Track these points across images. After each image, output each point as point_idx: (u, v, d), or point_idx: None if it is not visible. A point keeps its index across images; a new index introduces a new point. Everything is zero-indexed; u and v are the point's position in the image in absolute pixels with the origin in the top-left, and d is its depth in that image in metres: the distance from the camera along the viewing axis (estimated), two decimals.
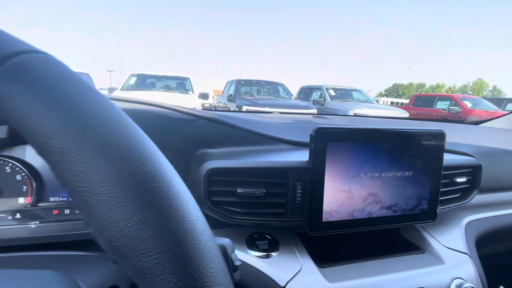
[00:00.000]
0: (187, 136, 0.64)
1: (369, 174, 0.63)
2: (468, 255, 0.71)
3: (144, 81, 7.21)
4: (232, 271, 0.32)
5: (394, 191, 0.66)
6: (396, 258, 0.67)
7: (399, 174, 0.65)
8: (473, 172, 0.79)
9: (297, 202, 0.62)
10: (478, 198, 0.94)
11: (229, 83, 9.44)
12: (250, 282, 0.58)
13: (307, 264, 0.61)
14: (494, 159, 0.90)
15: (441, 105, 9.65)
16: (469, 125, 1.39)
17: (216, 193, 0.61)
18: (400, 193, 0.66)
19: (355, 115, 5.71)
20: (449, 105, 9.05)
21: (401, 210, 0.67)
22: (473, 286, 0.62)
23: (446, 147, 0.82)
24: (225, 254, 0.29)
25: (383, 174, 0.64)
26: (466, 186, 0.79)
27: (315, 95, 9.26)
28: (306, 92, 9.81)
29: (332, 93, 8.76)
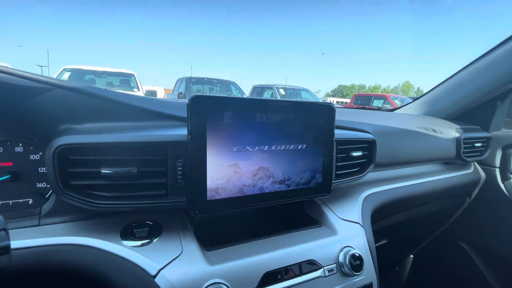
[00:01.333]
0: (38, 109, 0.52)
1: (257, 148, 0.59)
2: (360, 225, 0.73)
3: (81, 78, 6.58)
4: None
5: (286, 164, 0.64)
6: (290, 234, 0.66)
7: (290, 148, 0.63)
8: (369, 147, 0.83)
9: (179, 181, 0.56)
10: (376, 174, 1.01)
11: (179, 80, 9.02)
12: (118, 276, 0.50)
13: (190, 248, 0.55)
14: (390, 137, 0.96)
15: (377, 103, 10.94)
16: (382, 111, 1.51)
17: (76, 175, 0.51)
18: (293, 166, 0.65)
19: None
20: (383, 103, 10.32)
21: (295, 184, 0.65)
22: (359, 252, 0.64)
23: (347, 125, 0.86)
24: None
25: (273, 148, 0.61)
26: (363, 160, 0.82)
27: (266, 94, 9.50)
28: (258, 91, 9.98)
29: (282, 92, 9.11)
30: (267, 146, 0.61)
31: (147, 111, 0.59)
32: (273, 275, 0.56)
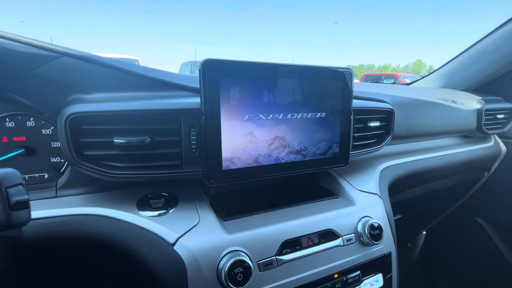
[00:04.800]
0: (46, 78, 0.50)
1: (271, 116, 0.57)
2: (378, 195, 0.71)
3: None
4: (9, 207, 0.22)
5: (302, 134, 0.61)
6: (307, 205, 0.65)
7: (307, 116, 0.61)
8: (387, 118, 0.79)
9: (193, 150, 0.54)
10: (393, 147, 0.98)
11: (184, 65, 8.90)
12: (137, 244, 0.50)
13: (207, 218, 0.54)
14: (408, 108, 0.92)
15: (387, 83, 10.66)
16: (398, 85, 1.45)
17: (89, 145, 0.50)
18: (309, 136, 0.62)
19: None
20: (393, 82, 10.04)
21: (311, 155, 0.63)
22: (379, 222, 0.62)
23: (364, 96, 0.82)
24: None
25: (289, 116, 0.59)
26: (380, 132, 0.79)
27: None
28: None
29: None
30: (282, 115, 0.58)
31: (159, 81, 0.57)
32: (292, 243, 0.55)
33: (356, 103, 0.71)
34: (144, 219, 0.52)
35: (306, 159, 0.63)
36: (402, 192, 1.02)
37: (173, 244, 0.49)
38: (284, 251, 0.54)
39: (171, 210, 0.55)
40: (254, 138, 0.57)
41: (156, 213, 0.54)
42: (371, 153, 0.83)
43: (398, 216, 1.21)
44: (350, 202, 0.68)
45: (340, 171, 0.77)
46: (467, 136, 1.19)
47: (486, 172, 1.28)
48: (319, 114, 0.62)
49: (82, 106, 0.48)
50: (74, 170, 0.55)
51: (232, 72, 0.52)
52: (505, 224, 1.27)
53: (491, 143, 1.23)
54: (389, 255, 0.64)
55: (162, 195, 0.58)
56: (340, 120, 0.64)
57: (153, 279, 0.47)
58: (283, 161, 0.60)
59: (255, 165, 0.58)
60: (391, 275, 0.64)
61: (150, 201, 0.56)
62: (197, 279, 0.47)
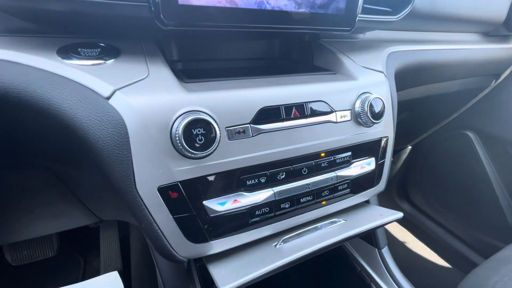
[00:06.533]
0: None
1: None
2: (384, 74, 0.58)
3: None
4: None
5: None
6: (295, 76, 0.51)
7: None
8: None
9: None
10: (405, 34, 0.81)
11: None
12: (56, 97, 0.36)
13: (159, 72, 0.40)
14: None
15: None
16: None
17: None
18: None
19: None
20: None
21: (308, 5, 0.46)
22: (382, 99, 0.50)
23: None
24: None
25: None
26: None
27: None
28: None
29: None
30: None
31: None
32: (273, 112, 0.43)
33: None
34: (69, 68, 0.37)
35: (300, 10, 0.46)
36: (403, 91, 0.91)
37: (108, 98, 0.36)
38: (262, 120, 0.42)
39: (110, 61, 0.40)
40: None
41: (87, 62, 0.39)
42: (382, 28, 0.66)
43: None
44: (349, 77, 0.54)
45: (341, 46, 0.62)
46: (488, 34, 1.02)
47: (494, 81, 1.17)
48: None
49: None
50: None
51: None
52: (497, 136, 1.23)
53: (511, 44, 1.07)
54: (386, 139, 0.55)
55: (98, 45, 0.42)
56: None
57: (84, 141, 0.35)
58: (268, 6, 0.43)
59: (228, 5, 0.40)
60: (384, 161, 0.56)
61: (79, 49, 0.40)
62: (142, 142, 0.35)
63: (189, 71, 0.55)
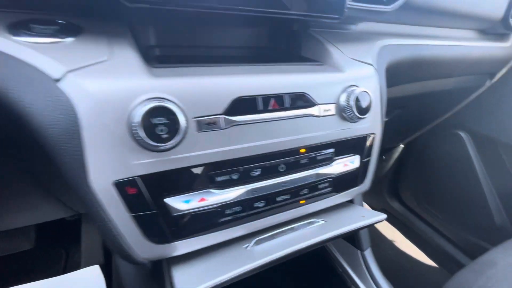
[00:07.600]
0: None
1: None
2: (374, 67, 0.54)
3: None
4: None
5: None
6: (276, 65, 0.47)
7: None
8: None
9: None
10: (400, 27, 0.78)
11: None
12: (4, 81, 0.32)
13: (122, 54, 0.36)
14: None
15: None
16: None
17: None
18: None
19: None
20: None
21: None
22: (370, 93, 0.47)
23: None
24: None
25: None
26: None
27: None
28: None
29: None
30: None
31: None
32: (248, 102, 0.39)
33: None
34: (16, 45, 0.33)
35: None
36: (395, 87, 0.87)
37: (58, 80, 0.32)
38: (237, 111, 0.39)
39: (68, 39, 0.36)
40: None
41: (41, 39, 0.35)
42: (375, 19, 0.62)
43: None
44: (336, 69, 0.51)
45: (331, 37, 0.58)
46: (485, 32, 0.99)
47: (489, 80, 1.15)
48: None
49: None
50: None
51: None
52: (489, 137, 1.21)
53: (508, 43, 1.05)
54: (373, 137, 0.52)
55: (55, 22, 0.38)
56: None
57: (32, 128, 0.31)
58: None
59: None
60: (370, 159, 0.54)
61: (31, 25, 0.36)
62: (96, 131, 0.32)
63: (166, 58, 0.51)
